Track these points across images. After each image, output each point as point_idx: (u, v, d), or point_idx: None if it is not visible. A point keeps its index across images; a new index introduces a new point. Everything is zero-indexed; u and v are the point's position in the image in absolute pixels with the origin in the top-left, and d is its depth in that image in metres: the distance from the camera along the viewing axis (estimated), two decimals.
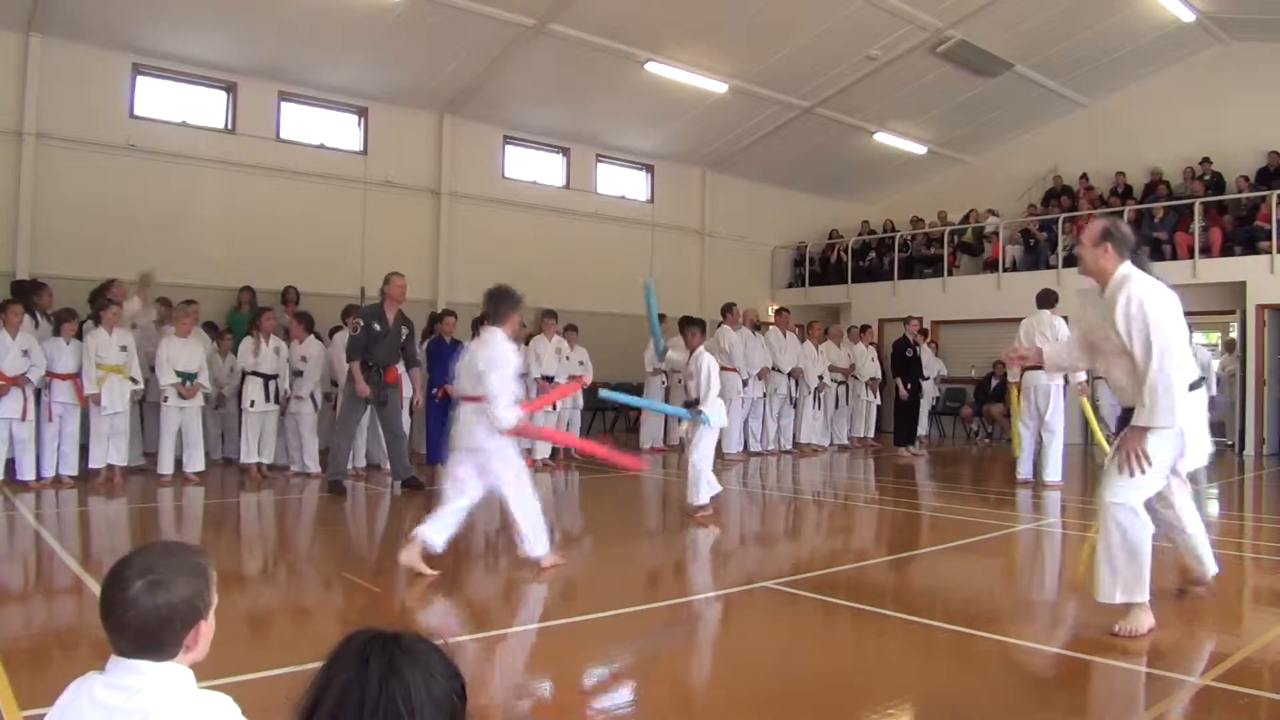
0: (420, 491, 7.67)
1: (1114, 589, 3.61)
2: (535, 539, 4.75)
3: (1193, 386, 3.73)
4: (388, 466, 8.67)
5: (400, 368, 8.08)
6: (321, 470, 8.42)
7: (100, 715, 1.31)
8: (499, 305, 4.92)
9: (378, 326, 7.65)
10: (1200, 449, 3.92)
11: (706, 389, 6.79)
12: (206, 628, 1.39)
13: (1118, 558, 3.60)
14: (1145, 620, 3.63)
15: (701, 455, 6.70)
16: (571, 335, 10.47)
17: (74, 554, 5.24)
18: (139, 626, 1.32)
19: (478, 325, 8.89)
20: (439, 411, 9.06)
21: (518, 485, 4.75)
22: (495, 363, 4.62)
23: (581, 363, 10.42)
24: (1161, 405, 3.52)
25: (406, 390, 8.54)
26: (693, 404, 6.91)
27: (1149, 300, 3.62)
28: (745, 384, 11.11)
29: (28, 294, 8.52)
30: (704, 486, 6.62)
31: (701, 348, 7.06)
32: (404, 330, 7.87)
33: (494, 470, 4.73)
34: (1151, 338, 3.56)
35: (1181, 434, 3.68)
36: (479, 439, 4.69)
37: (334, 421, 9.09)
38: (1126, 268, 3.78)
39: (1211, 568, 4.17)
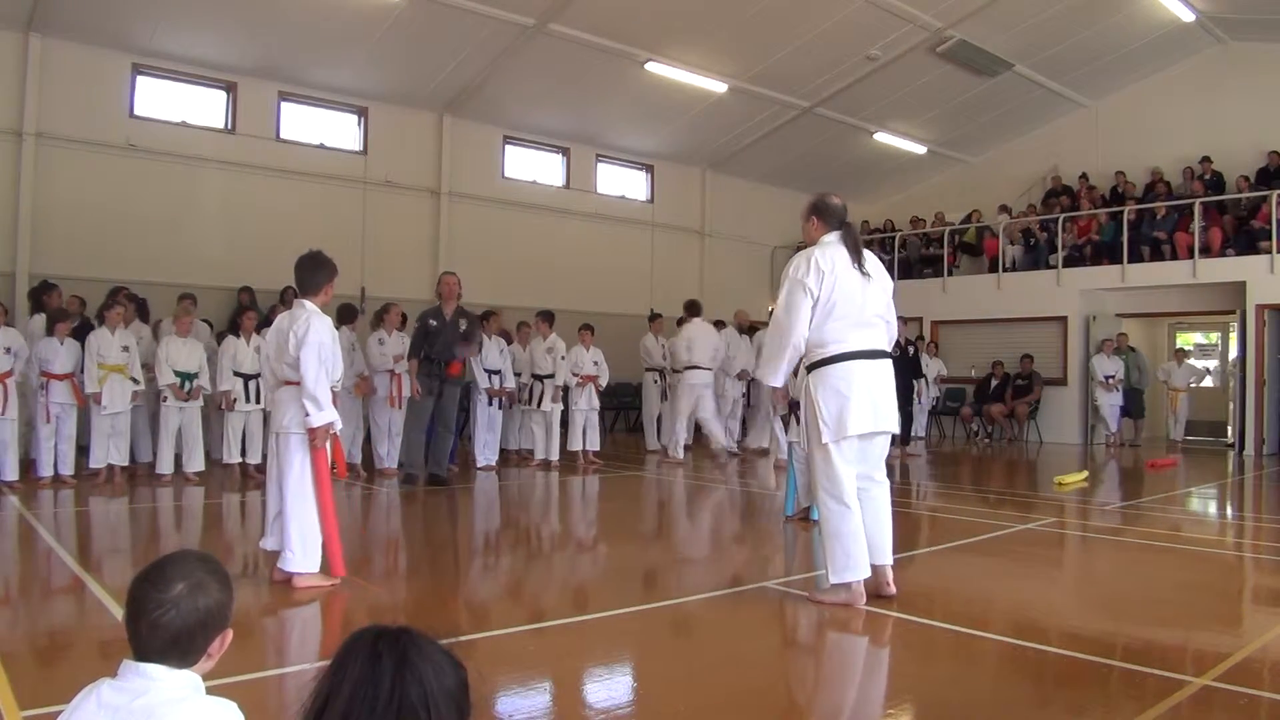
0: (442, 488, 7.95)
1: (828, 569, 4.03)
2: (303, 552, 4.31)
3: (846, 357, 3.95)
4: (392, 466, 8.76)
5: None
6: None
7: (105, 716, 1.32)
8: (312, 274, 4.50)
9: (434, 322, 8.02)
10: (857, 418, 3.94)
11: None
12: (229, 636, 1.43)
13: (825, 542, 4.02)
14: (845, 596, 3.97)
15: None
16: (586, 335, 10.39)
17: (73, 554, 5.24)
18: (178, 628, 1.35)
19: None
20: None
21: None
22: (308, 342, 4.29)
23: (596, 363, 10.38)
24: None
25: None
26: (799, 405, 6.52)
27: (787, 266, 4.13)
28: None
29: (39, 295, 8.67)
30: None
31: None
32: (462, 323, 8.18)
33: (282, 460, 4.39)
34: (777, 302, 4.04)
35: (834, 413, 3.92)
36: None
37: None
38: (829, 237, 4.14)
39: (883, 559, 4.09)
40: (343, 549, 4.51)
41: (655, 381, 11.67)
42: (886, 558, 4.10)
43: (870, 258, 4.13)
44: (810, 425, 4.06)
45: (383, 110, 12.60)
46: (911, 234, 16.61)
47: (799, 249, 4.33)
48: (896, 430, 4.19)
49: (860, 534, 3.98)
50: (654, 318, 12.09)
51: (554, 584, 4.95)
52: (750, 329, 12.20)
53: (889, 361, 4.15)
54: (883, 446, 4.17)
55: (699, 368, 10.64)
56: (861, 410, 3.94)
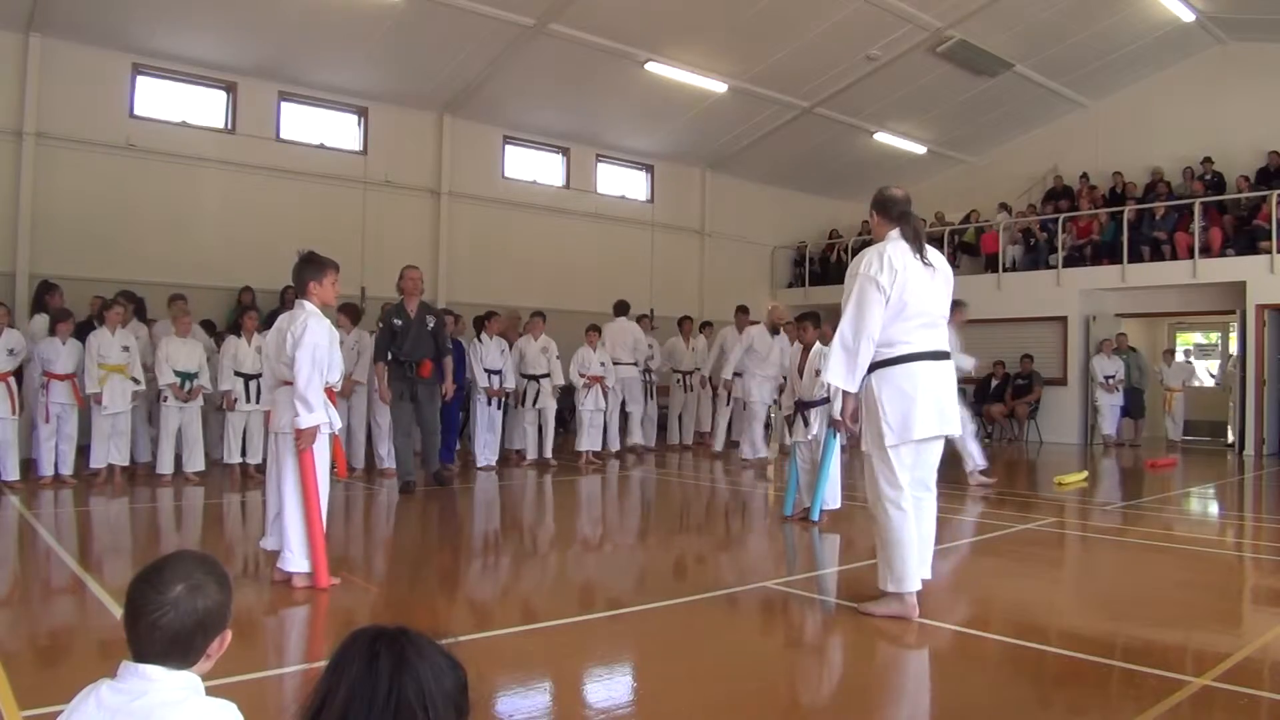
0: (441, 488, 7.88)
1: (883, 578, 3.90)
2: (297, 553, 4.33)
3: (912, 358, 3.83)
4: (392, 466, 8.71)
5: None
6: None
7: (104, 717, 1.32)
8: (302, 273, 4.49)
9: (398, 321, 7.71)
10: (923, 422, 3.81)
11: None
12: (229, 637, 1.43)
13: (885, 550, 3.89)
14: (898, 608, 3.85)
15: (836, 462, 6.33)
16: (593, 336, 10.37)
17: (73, 554, 5.24)
18: (176, 630, 1.35)
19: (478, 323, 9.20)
20: (447, 411, 9.06)
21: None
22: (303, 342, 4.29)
23: (603, 364, 10.36)
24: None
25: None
26: (805, 405, 6.41)
27: (854, 263, 3.95)
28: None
29: (41, 295, 8.71)
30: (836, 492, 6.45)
31: (819, 344, 6.37)
32: (429, 320, 7.88)
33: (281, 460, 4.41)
34: (844, 300, 3.89)
35: (896, 415, 3.80)
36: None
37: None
38: (892, 234, 3.95)
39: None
40: (327, 558, 4.40)
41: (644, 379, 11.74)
42: (926, 572, 3.98)
43: (932, 250, 4.00)
44: (871, 428, 3.89)
45: (383, 110, 12.60)
46: None
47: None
48: (958, 433, 4.09)
49: (916, 543, 3.86)
50: (642, 318, 12.14)
51: (553, 584, 4.95)
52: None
53: (951, 363, 4.04)
54: (938, 453, 4.03)
55: (622, 363, 11.09)
56: (927, 413, 3.82)
